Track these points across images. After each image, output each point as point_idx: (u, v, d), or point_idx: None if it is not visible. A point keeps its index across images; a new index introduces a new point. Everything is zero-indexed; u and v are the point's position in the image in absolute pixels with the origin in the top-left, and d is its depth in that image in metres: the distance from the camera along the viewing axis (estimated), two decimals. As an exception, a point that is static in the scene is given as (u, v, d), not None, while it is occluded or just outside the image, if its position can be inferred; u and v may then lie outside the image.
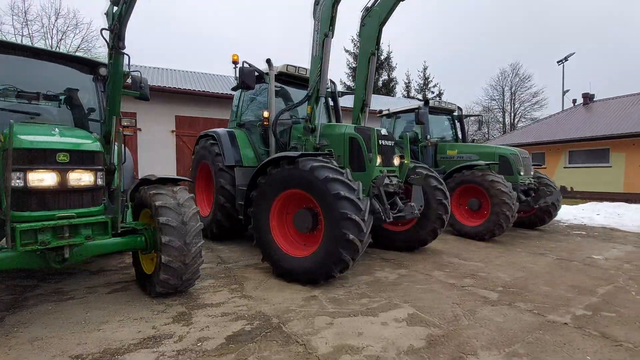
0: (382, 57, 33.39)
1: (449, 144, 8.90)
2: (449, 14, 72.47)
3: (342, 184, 3.97)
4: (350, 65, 33.36)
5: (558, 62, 34.00)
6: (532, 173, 8.00)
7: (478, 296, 3.95)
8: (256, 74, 5.62)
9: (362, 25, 5.80)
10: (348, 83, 33.21)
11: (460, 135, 9.80)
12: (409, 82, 36.83)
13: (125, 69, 3.58)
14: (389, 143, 5.23)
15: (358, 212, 3.89)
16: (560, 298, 3.91)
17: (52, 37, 25.49)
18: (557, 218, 10.26)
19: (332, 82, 6.90)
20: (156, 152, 13.30)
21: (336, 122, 7.05)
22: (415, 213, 5.06)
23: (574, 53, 32.57)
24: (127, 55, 3.44)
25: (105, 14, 3.43)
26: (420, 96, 36.73)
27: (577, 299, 3.90)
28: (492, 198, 6.78)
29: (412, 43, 68.45)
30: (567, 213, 10.66)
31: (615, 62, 56.29)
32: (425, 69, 36.82)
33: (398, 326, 3.16)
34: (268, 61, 5.94)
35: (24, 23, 24.68)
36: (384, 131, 5.20)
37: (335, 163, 4.37)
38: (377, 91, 31.35)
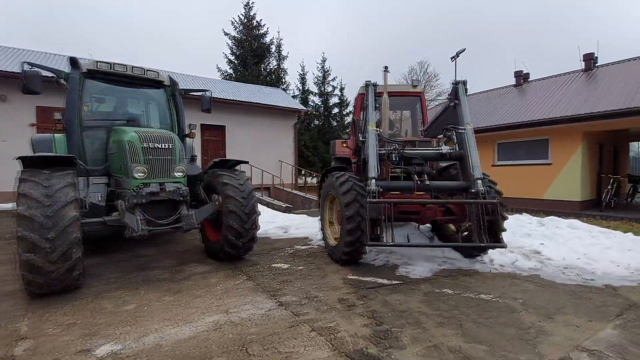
0: (267, 41, 29.85)
1: (122, 128, 5.48)
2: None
3: None
4: (232, 50, 29.45)
5: (451, 58, 33.24)
6: (179, 174, 4.84)
7: None
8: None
9: None
10: (229, 71, 29.30)
11: (175, 119, 6.60)
12: (304, 74, 33.47)
13: None
14: None
15: None
16: None
17: None
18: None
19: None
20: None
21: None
22: None
23: (464, 49, 31.78)
24: None
25: None
26: (317, 90, 33.83)
27: None
28: None
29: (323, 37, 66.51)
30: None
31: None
32: (324, 60, 33.80)
33: None
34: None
35: None
36: None
37: None
38: (261, 81, 27.88)
